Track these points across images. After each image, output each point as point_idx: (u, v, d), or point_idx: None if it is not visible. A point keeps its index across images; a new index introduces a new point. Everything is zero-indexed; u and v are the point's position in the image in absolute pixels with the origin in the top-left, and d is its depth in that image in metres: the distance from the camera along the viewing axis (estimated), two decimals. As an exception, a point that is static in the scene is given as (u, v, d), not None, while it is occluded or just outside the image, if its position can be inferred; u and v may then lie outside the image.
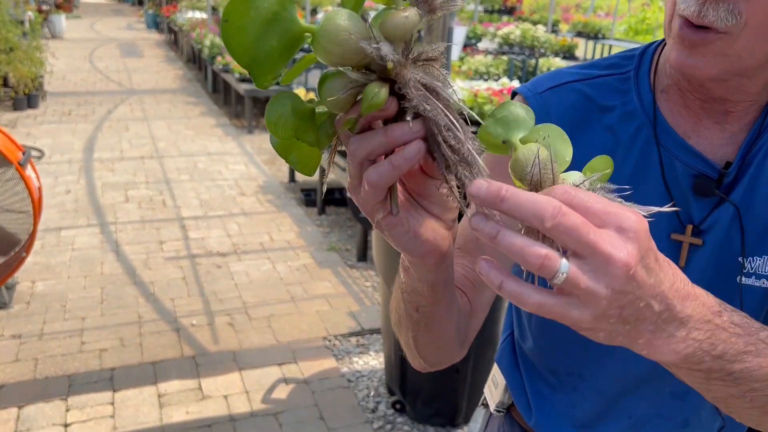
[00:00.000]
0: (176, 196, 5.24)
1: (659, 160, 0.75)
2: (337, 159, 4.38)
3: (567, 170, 0.52)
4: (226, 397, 2.80)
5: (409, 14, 0.48)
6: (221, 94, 9.25)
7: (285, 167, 6.01)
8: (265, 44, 0.49)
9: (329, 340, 3.29)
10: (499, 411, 0.96)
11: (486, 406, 1.02)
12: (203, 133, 7.29)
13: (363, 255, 4.21)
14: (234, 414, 2.70)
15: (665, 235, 0.75)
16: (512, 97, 0.84)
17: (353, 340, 3.32)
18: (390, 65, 0.47)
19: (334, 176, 4.69)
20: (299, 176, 5.89)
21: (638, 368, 0.81)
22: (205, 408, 2.72)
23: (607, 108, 0.77)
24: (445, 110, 0.48)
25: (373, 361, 3.14)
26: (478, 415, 1.50)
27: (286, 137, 0.52)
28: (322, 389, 2.90)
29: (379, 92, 0.48)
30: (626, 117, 0.77)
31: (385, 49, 0.47)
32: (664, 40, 0.75)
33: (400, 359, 2.68)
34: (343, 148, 0.53)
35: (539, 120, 0.58)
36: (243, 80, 7.36)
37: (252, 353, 3.14)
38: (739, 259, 0.74)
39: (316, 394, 2.86)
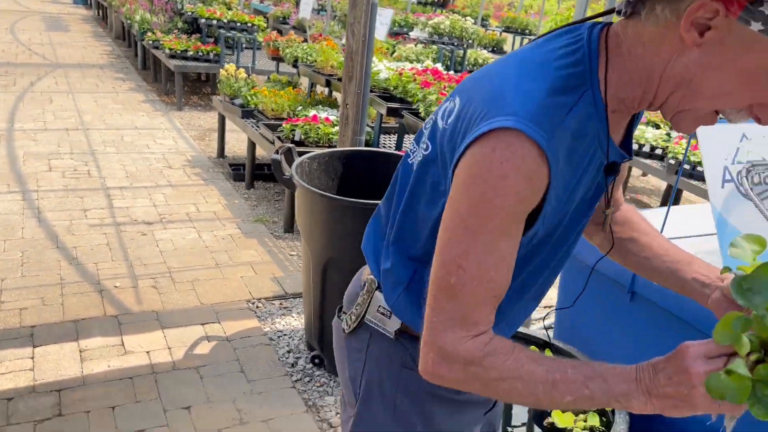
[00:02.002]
0: (102, 167, 5.19)
1: (602, 162, 0.94)
2: (265, 131, 4.47)
3: None
4: (148, 352, 2.88)
5: None
6: (151, 71, 9.10)
7: (214, 143, 6.03)
8: None
9: (253, 303, 3.41)
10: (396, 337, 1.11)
11: (367, 325, 1.15)
12: (131, 108, 7.19)
13: (290, 227, 4.33)
14: (156, 367, 2.79)
15: (595, 204, 1.02)
16: (504, 128, 0.82)
17: (276, 303, 3.45)
18: None
19: (265, 152, 4.78)
20: (228, 151, 5.93)
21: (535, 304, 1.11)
22: (127, 362, 2.80)
23: (583, 135, 0.89)
24: None
25: (295, 322, 3.28)
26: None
27: None
28: (244, 346, 3.01)
29: None
30: (591, 139, 0.91)
31: None
32: (597, 66, 0.89)
33: (320, 317, 2.83)
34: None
35: (555, 158, 0.83)
36: (173, 56, 7.29)
37: (175, 314, 3.22)
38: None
39: (238, 351, 2.98)
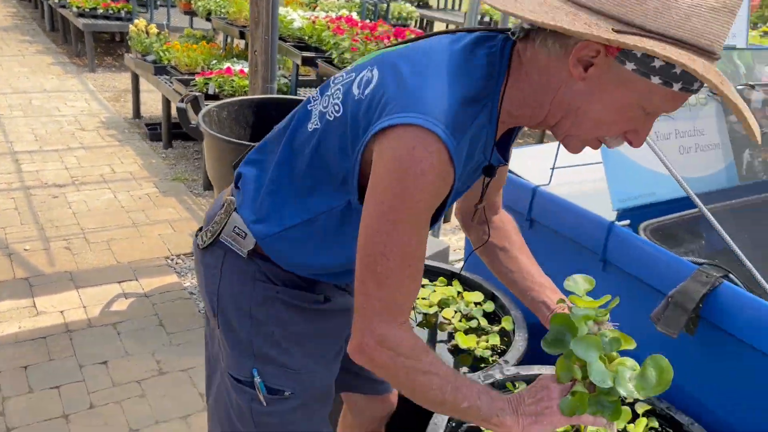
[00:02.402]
0: (8, 131, 4.94)
1: (483, 161, 1.04)
2: (179, 87, 4.34)
3: None
4: (62, 312, 2.82)
5: None
6: (60, 33, 8.64)
7: (129, 103, 5.82)
8: None
9: (172, 259, 3.37)
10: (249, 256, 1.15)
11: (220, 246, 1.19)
12: (40, 71, 6.83)
13: (210, 184, 4.26)
14: (71, 326, 2.73)
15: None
16: (411, 125, 0.88)
17: (196, 258, 3.41)
18: None
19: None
20: (145, 111, 5.75)
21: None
22: (40, 322, 2.73)
23: (477, 140, 0.98)
24: None
25: (216, 275, 3.26)
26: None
27: None
28: (163, 301, 2.99)
29: None
30: (481, 144, 0.99)
31: None
32: (507, 73, 0.97)
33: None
34: None
35: (459, 159, 0.91)
36: (82, 15, 6.94)
37: (90, 273, 3.15)
38: None
39: (156, 306, 2.95)
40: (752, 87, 2.16)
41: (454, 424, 1.51)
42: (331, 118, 1.01)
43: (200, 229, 1.25)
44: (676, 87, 0.84)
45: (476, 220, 1.30)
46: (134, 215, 3.80)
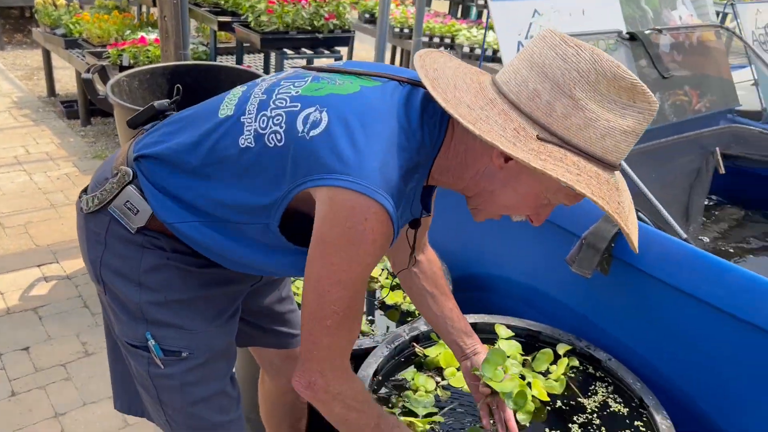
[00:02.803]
0: None
1: (409, 217, 1.11)
2: (92, 60, 4.14)
3: None
4: (-23, 301, 2.69)
5: None
6: (-37, 10, 8.10)
7: (43, 82, 5.53)
8: None
9: (95, 239, 3.24)
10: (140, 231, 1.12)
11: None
12: (-59, 51, 6.41)
13: (132, 160, 4.11)
14: (-13, 314, 2.61)
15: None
16: (379, 215, 0.94)
17: (121, 236, 3.30)
18: None
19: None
20: (60, 88, 5.47)
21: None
22: (-47, 313, 2.60)
23: (409, 201, 1.05)
24: None
25: (143, 253, 3.17)
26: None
27: None
28: (87, 281, 2.88)
29: None
30: (411, 204, 1.07)
31: None
32: (437, 151, 1.03)
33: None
34: None
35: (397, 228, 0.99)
36: (-16, -11, 6.51)
37: (7, 259, 3.01)
38: None
39: (80, 287, 2.84)
40: (660, 31, 2.20)
41: (380, 378, 1.52)
42: (271, 145, 0.99)
43: (85, 191, 1.18)
44: (579, 191, 0.94)
45: (410, 264, 1.38)
46: (52, 196, 3.63)
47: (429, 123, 1.01)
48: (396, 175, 0.95)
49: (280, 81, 1.07)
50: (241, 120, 1.03)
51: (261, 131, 1.00)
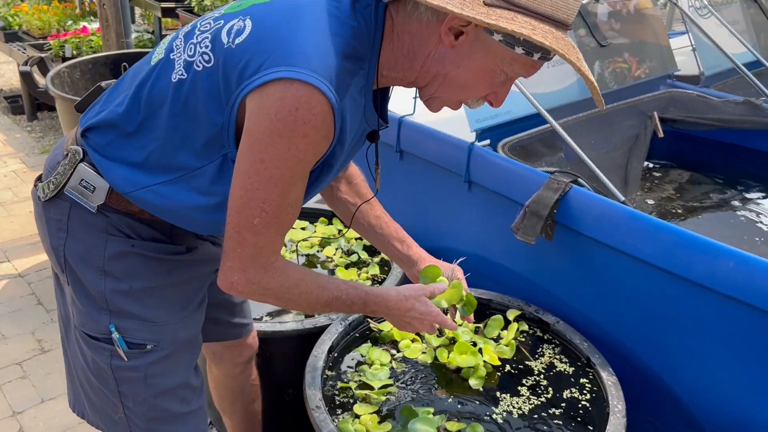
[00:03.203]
0: None
1: (366, 127, 1.06)
2: (33, 53, 4.03)
3: None
4: (-74, 305, 2.62)
5: None
6: None
7: (-15, 77, 5.37)
8: None
9: (46, 236, 3.18)
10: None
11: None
12: None
13: (82, 153, 4.02)
14: (-63, 318, 2.55)
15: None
16: (295, 79, 0.88)
17: (74, 232, 3.24)
18: None
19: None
20: (4, 84, 5.31)
21: None
22: None
23: (357, 103, 1.00)
24: None
25: (97, 247, 3.12)
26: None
27: None
28: (40, 279, 2.83)
29: None
30: (357, 104, 1.00)
31: None
32: (378, 44, 0.98)
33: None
34: None
35: (341, 115, 0.93)
36: None
37: (-45, 260, 2.94)
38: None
39: (33, 284, 2.80)
40: (597, 1, 2.24)
41: (336, 354, 1.55)
42: (200, 68, 0.96)
43: (39, 179, 1.16)
44: (536, 56, 0.93)
45: (378, 188, 1.32)
46: (0, 194, 3.54)
47: (363, 13, 0.97)
48: (333, 59, 0.90)
49: (204, 16, 1.07)
50: (171, 57, 1.02)
51: (190, 59, 0.98)
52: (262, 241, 0.98)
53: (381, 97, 1.11)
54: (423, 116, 2.02)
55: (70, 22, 4.32)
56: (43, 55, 2.58)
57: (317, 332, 1.58)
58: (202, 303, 1.26)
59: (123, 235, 1.11)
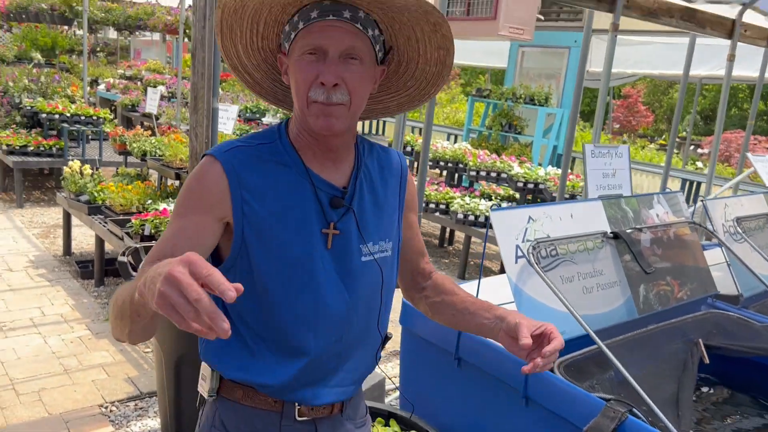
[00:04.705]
0: (-70, 276, 4.83)
1: (311, 189, 1.22)
2: (114, 228, 4.43)
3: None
4: (-11, 474, 2.72)
5: None
6: (-14, 167, 8.59)
7: (59, 240, 5.80)
8: None
9: (106, 407, 3.32)
10: (211, 396, 1.27)
11: (202, 403, 1.32)
12: (-37, 209, 6.74)
13: (143, 322, 4.25)
14: (-2, 489, 2.63)
15: (318, 230, 1.22)
16: (202, 158, 1.22)
17: (131, 404, 3.37)
18: None
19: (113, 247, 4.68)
20: (76, 248, 5.73)
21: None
22: (-35, 488, 2.62)
23: (268, 161, 1.22)
24: None
25: (152, 422, 3.23)
26: None
27: None
28: (97, 453, 2.93)
29: None
30: (282, 166, 1.22)
31: None
32: (287, 120, 1.28)
33: (175, 416, 2.83)
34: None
35: (231, 167, 1.18)
36: (12, 152, 6.99)
37: (19, 429, 3.06)
38: (360, 245, 1.25)
39: (91, 459, 2.89)
40: (640, 230, 2.48)
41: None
42: None
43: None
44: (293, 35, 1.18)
45: (417, 289, 1.47)
46: (66, 361, 3.74)
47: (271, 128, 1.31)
48: (236, 141, 1.22)
49: None
50: None
51: None
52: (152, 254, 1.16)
53: (340, 172, 1.27)
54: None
55: (149, 201, 4.76)
56: (137, 245, 2.89)
57: None
58: None
59: (223, 428, 1.28)
